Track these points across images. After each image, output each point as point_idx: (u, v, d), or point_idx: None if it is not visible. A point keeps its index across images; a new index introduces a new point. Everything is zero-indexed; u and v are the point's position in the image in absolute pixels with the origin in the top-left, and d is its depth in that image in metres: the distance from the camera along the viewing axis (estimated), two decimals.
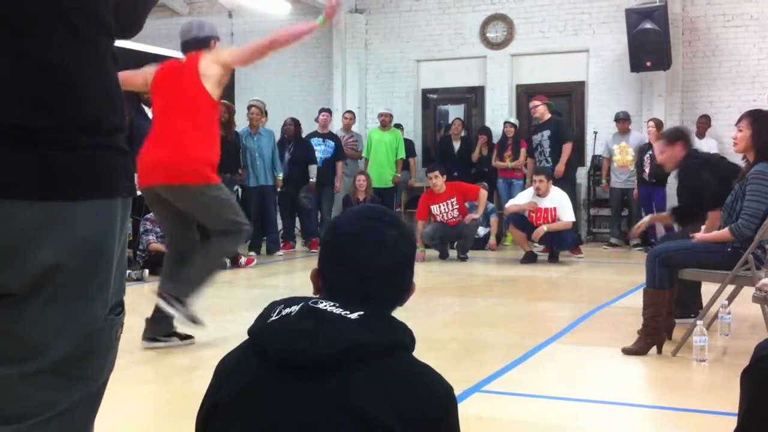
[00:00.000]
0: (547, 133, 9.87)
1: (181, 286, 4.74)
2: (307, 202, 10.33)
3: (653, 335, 4.55)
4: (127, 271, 7.89)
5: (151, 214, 8.47)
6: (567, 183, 9.77)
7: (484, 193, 9.61)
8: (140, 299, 6.95)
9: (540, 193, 8.98)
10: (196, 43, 4.78)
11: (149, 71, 4.91)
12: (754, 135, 4.44)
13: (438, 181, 9.29)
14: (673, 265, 4.58)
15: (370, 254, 1.49)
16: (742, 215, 4.34)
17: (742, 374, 1.39)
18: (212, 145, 4.72)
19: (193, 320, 4.75)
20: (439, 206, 9.37)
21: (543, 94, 10.36)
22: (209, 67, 4.65)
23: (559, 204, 8.99)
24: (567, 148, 9.85)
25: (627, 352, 4.57)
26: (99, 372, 1.40)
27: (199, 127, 4.65)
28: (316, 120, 10.92)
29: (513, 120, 11.19)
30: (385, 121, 11.41)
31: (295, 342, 1.39)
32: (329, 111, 11.19)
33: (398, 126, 11.91)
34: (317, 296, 1.52)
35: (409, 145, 11.81)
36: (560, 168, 9.82)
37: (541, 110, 9.92)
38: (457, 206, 9.36)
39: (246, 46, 4.76)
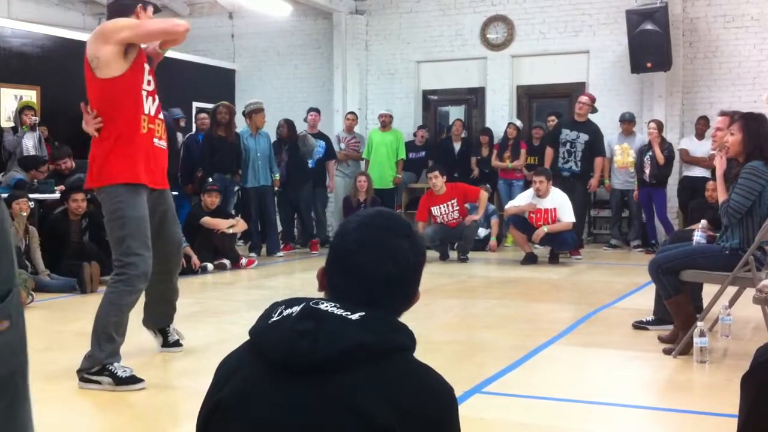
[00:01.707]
0: (584, 137, 9.76)
1: (83, 361, 3.97)
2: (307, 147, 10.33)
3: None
4: None
5: None
6: (582, 185, 9.77)
7: (484, 195, 9.61)
8: None
9: (540, 194, 8.98)
10: (115, 12, 3.95)
11: None
12: (744, 138, 4.45)
13: (438, 181, 9.29)
14: (676, 271, 4.60)
15: (375, 263, 1.48)
16: (729, 206, 4.42)
17: (743, 379, 1.38)
18: (113, 139, 3.93)
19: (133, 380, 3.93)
20: (440, 207, 9.37)
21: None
22: (97, 50, 3.83)
23: (559, 205, 8.98)
24: (600, 163, 10.01)
25: (668, 351, 4.60)
26: None
27: (104, 123, 3.94)
28: (305, 120, 10.89)
29: (518, 123, 11.17)
30: (386, 122, 11.41)
31: (296, 342, 1.39)
32: (317, 110, 11.14)
33: (423, 127, 11.95)
34: (319, 297, 1.52)
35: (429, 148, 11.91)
36: (595, 183, 10.10)
37: (585, 110, 9.84)
38: (458, 208, 9.36)
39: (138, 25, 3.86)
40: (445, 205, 9.36)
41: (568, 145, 9.77)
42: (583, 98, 9.90)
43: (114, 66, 3.84)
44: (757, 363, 1.36)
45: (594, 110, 9.94)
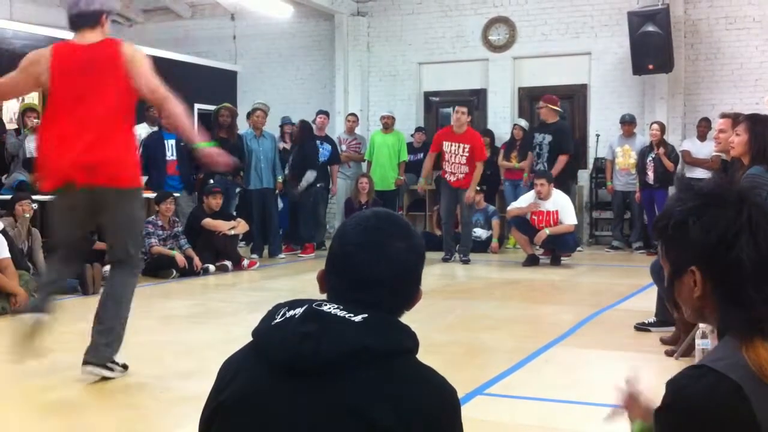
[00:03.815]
0: (548, 137, 9.77)
1: (103, 350, 4.15)
2: (293, 195, 10.27)
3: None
4: None
5: (153, 216, 8.50)
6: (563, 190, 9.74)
7: (481, 166, 9.40)
8: (135, 303, 6.96)
9: (541, 197, 8.97)
10: (85, 19, 4.25)
11: (35, 64, 4.21)
12: (750, 139, 4.45)
13: (463, 117, 9.24)
14: None
15: (372, 265, 1.48)
16: None
17: (656, 413, 1.38)
18: (133, 143, 4.35)
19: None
20: (452, 145, 9.30)
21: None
22: (134, 60, 4.15)
23: (562, 207, 8.99)
24: (562, 161, 9.62)
25: (670, 353, 4.60)
26: None
27: (125, 121, 4.19)
28: (313, 122, 10.91)
29: (523, 123, 11.16)
30: (388, 124, 11.42)
31: (299, 344, 1.39)
32: (327, 113, 11.14)
33: (421, 130, 11.90)
34: (322, 299, 1.52)
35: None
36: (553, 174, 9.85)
37: (544, 112, 9.86)
38: (467, 155, 9.26)
39: (163, 91, 4.21)
40: (457, 144, 9.28)
41: (538, 148, 9.84)
42: (541, 102, 9.98)
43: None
44: (670, 398, 1.36)
45: (559, 113, 9.89)
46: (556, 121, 9.86)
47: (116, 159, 4.10)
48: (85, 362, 4.07)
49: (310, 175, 10.08)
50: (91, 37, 4.23)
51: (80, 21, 4.25)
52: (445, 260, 9.46)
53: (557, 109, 9.84)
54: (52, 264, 4.43)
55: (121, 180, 4.13)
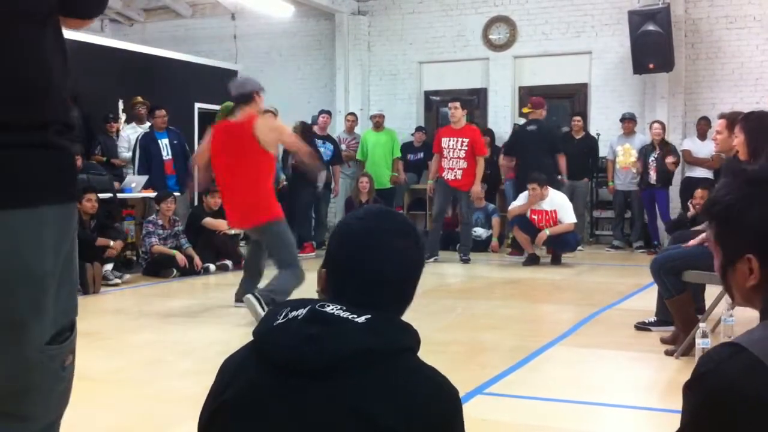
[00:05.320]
0: None
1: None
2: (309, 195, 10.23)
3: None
4: (123, 275, 7.90)
5: (153, 216, 8.50)
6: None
7: (482, 163, 9.40)
8: (136, 302, 6.96)
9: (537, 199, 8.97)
10: (242, 99, 5.69)
11: (207, 136, 5.94)
12: (747, 138, 4.46)
13: (457, 112, 9.25)
14: (678, 271, 4.60)
15: (373, 265, 1.48)
16: None
17: (685, 386, 1.36)
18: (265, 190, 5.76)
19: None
20: (449, 140, 9.28)
21: (542, 96, 10.32)
22: (266, 135, 5.56)
23: (560, 206, 8.98)
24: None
25: (670, 353, 4.61)
26: (43, 410, 1.16)
27: (261, 177, 5.65)
28: (315, 122, 10.90)
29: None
30: (379, 122, 11.40)
31: (302, 345, 1.39)
32: (329, 113, 11.13)
33: (421, 129, 11.86)
34: (324, 299, 1.51)
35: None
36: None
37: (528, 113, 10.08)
38: (466, 149, 9.21)
39: (297, 141, 6.22)
40: (455, 139, 9.25)
41: None
42: None
43: (274, 148, 5.79)
44: (702, 372, 1.33)
45: (523, 115, 10.07)
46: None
47: (253, 209, 5.62)
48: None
49: (323, 175, 10.10)
50: (244, 112, 5.63)
51: (238, 100, 5.68)
52: (444, 259, 9.43)
53: (523, 110, 10.10)
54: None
55: (257, 220, 5.68)
